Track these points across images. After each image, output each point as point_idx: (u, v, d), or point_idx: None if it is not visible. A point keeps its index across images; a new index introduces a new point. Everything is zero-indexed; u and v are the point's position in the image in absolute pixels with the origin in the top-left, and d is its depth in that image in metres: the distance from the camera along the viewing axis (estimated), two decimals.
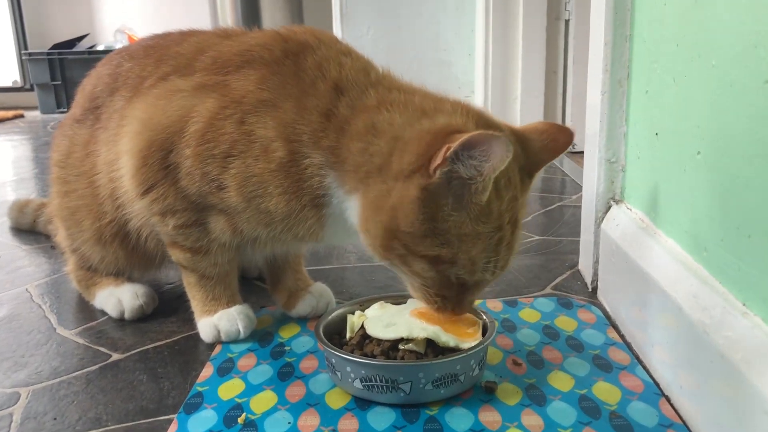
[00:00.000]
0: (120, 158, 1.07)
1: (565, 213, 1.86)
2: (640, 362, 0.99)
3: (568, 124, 2.79)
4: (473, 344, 0.92)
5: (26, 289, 1.38)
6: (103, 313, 1.24)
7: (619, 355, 1.02)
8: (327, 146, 0.93)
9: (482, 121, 0.89)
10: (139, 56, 1.14)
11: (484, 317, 1.00)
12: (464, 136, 0.76)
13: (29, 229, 1.77)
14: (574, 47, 2.71)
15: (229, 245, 1.06)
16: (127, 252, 1.18)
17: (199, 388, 0.96)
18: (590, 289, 1.27)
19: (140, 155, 1.02)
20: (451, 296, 0.90)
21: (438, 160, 0.80)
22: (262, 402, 0.92)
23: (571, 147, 0.94)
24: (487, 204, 0.82)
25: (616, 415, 0.86)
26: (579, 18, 2.67)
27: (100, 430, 0.87)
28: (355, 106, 0.93)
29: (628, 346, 1.05)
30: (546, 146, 0.91)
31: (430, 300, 0.91)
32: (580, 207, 1.86)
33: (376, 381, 0.88)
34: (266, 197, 0.96)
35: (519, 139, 0.90)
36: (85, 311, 1.27)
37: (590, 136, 1.24)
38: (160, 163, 1.01)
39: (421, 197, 0.82)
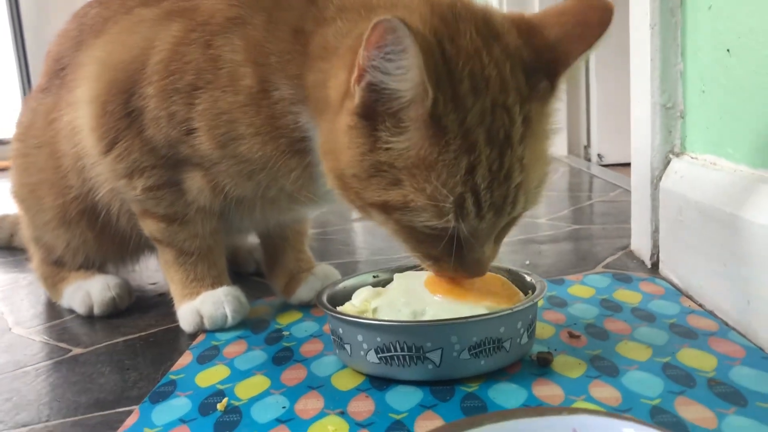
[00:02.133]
0: (79, 111, 0.90)
1: (600, 208, 1.66)
2: (732, 329, 0.78)
3: (593, 132, 2.60)
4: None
5: None
6: (72, 312, 1.05)
7: (702, 322, 0.80)
8: (294, 75, 0.75)
9: (444, 10, 0.66)
10: (106, 0, 0.98)
11: (529, 278, 0.80)
12: (365, 33, 0.58)
13: (6, 245, 1.59)
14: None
15: (210, 210, 0.88)
16: (96, 233, 1.00)
17: (173, 377, 0.75)
18: (650, 266, 1.06)
19: (99, 101, 0.85)
20: (443, 255, 0.68)
21: (354, 73, 0.61)
22: (250, 387, 0.71)
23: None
24: (436, 118, 0.61)
25: (716, 381, 0.65)
26: None
27: (37, 426, 0.67)
28: (318, 19, 0.74)
29: (712, 314, 0.83)
30: (568, 32, 0.65)
31: (423, 261, 0.71)
32: (618, 202, 1.68)
33: (395, 350, 0.68)
34: (239, 140, 0.79)
35: (519, 28, 0.67)
36: (51, 311, 1.07)
37: (638, 81, 1.05)
38: (122, 109, 0.83)
39: (352, 125, 0.64)
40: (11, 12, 4.23)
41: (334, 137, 0.67)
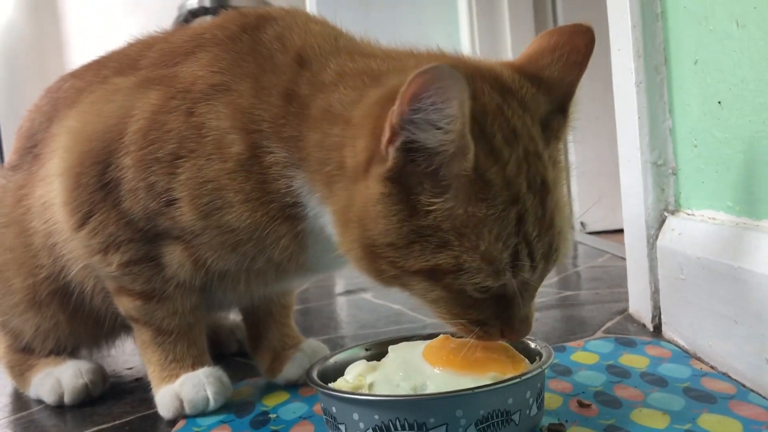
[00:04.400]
0: (51, 185, 0.85)
1: (589, 274, 1.62)
2: (751, 390, 0.73)
3: (575, 201, 2.59)
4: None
5: None
6: (41, 402, 0.97)
7: (718, 385, 0.76)
8: (289, 137, 0.72)
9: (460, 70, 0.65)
10: (80, 72, 0.95)
11: (533, 344, 0.75)
12: (402, 88, 0.56)
13: None
14: None
15: (190, 285, 0.82)
16: (69, 315, 0.93)
17: None
18: (652, 329, 1.02)
19: (72, 173, 0.81)
20: (490, 318, 0.65)
21: (386, 134, 0.59)
22: None
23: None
24: (479, 172, 0.59)
25: None
26: None
27: None
28: (315, 83, 0.72)
29: (726, 376, 0.79)
30: (566, 63, 0.68)
31: (467, 330, 0.66)
32: (608, 267, 1.64)
33: (395, 428, 0.62)
34: (226, 209, 0.75)
35: (526, 74, 0.67)
36: (18, 402, 0.99)
37: (625, 141, 1.04)
38: (96, 181, 0.79)
39: (386, 192, 0.61)
40: None
41: (359, 207, 0.64)
